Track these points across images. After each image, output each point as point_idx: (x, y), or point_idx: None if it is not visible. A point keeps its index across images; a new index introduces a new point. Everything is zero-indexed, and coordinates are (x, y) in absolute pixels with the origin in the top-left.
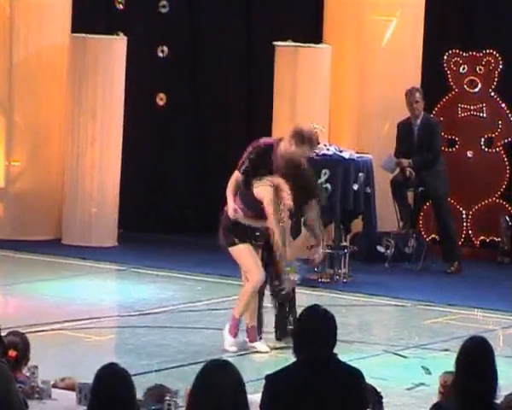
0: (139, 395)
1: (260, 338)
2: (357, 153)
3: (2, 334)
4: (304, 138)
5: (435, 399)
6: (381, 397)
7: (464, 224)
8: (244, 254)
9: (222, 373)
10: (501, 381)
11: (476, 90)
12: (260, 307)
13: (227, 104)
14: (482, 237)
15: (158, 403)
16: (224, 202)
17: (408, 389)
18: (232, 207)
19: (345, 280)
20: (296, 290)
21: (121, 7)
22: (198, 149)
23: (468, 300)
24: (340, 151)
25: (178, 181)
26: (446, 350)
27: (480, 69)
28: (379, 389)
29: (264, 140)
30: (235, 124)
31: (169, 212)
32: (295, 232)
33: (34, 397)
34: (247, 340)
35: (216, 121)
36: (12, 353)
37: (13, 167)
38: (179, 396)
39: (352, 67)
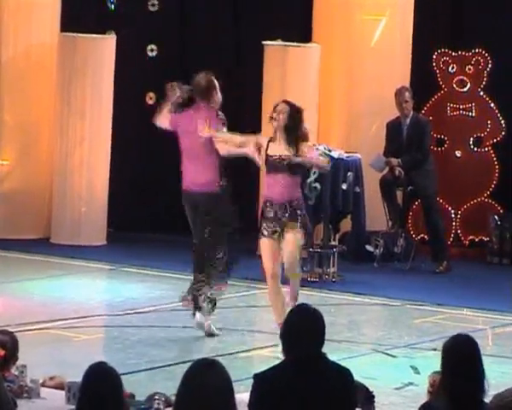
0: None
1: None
2: (346, 152)
3: None
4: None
5: (424, 398)
6: (373, 397)
7: (453, 223)
8: (262, 248)
9: (209, 372)
10: (490, 380)
11: (465, 89)
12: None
13: None
14: (471, 237)
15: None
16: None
17: (397, 388)
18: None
19: (334, 279)
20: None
21: (112, 7)
22: None
23: (457, 299)
24: (329, 150)
25: (168, 180)
26: (435, 350)
27: (469, 69)
28: (371, 389)
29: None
30: None
31: (158, 211)
32: None
33: (23, 396)
34: None
35: None
36: (0, 352)
37: (2, 166)
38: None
39: (341, 67)
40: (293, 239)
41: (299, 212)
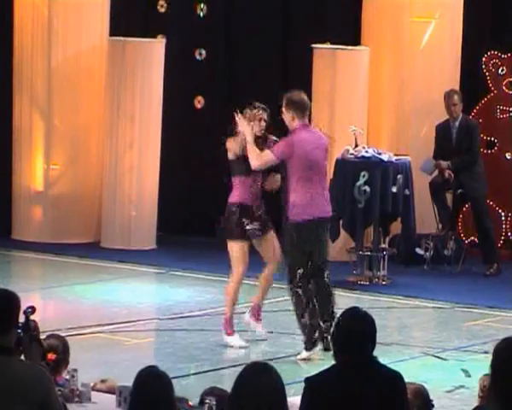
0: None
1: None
2: (396, 155)
3: (42, 337)
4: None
5: (475, 402)
6: (433, 405)
7: (503, 226)
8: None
9: (262, 376)
10: None
11: None
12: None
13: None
14: None
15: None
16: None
17: (448, 391)
18: None
19: (384, 282)
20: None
21: (163, 10)
22: None
23: (508, 302)
24: (379, 153)
25: (217, 183)
26: (486, 352)
27: None
28: (431, 397)
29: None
30: (273, 126)
31: (209, 214)
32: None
33: (74, 400)
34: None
35: None
36: (51, 356)
37: (52, 171)
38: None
39: (390, 69)
40: None
41: None
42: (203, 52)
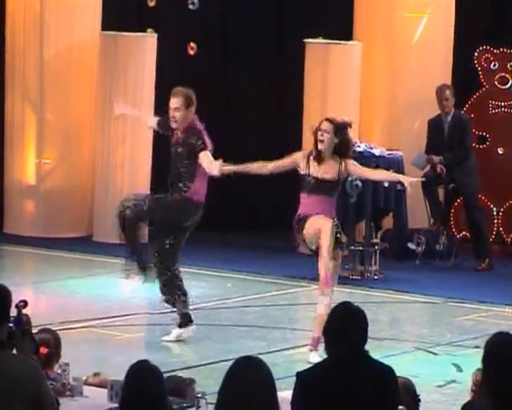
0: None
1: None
2: (388, 150)
3: (34, 331)
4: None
5: (466, 396)
6: (419, 400)
7: (495, 221)
8: None
9: (252, 370)
10: None
11: (507, 86)
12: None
13: (257, 102)
14: None
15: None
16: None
17: (439, 386)
18: None
19: (376, 277)
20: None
21: (153, 4)
22: (228, 147)
23: (499, 297)
24: (371, 148)
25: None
26: (477, 347)
27: (511, 66)
28: (418, 392)
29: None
30: (266, 121)
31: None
32: None
33: (66, 394)
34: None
35: (246, 119)
36: (43, 350)
37: (44, 165)
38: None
39: (382, 64)
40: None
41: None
42: (195, 46)
